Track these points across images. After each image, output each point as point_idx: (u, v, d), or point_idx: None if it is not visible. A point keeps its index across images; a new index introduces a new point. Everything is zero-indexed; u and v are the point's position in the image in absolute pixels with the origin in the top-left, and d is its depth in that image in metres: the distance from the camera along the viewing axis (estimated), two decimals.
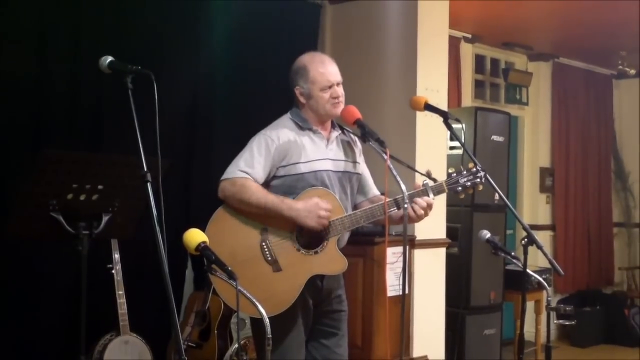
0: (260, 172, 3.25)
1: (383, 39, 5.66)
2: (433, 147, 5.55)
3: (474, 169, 3.39)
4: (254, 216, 3.25)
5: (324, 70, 3.34)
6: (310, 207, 3.19)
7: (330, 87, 3.33)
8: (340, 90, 3.36)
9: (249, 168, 3.23)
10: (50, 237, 3.15)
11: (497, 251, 3.71)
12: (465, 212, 5.90)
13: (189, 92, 5.16)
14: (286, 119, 3.41)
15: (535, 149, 8.63)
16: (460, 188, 3.38)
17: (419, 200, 3.28)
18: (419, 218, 3.32)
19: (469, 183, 3.38)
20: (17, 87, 4.36)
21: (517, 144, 8.49)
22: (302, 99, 3.37)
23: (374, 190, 3.59)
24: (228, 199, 3.25)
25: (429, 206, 3.30)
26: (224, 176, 3.27)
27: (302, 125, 3.35)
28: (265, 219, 3.26)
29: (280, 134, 3.31)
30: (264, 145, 3.28)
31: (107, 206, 3.13)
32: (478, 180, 3.39)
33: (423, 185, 3.31)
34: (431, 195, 3.31)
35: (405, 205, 3.18)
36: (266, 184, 3.30)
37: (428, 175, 3.33)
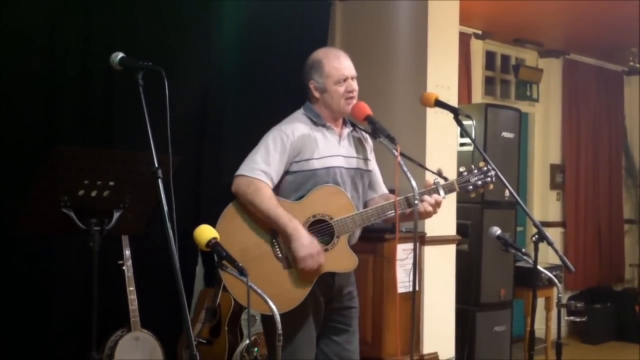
0: (276, 169, 3.25)
1: (393, 36, 5.65)
2: (443, 144, 5.55)
3: (485, 168, 3.39)
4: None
5: (338, 64, 3.34)
6: (312, 245, 3.19)
7: (345, 80, 3.33)
8: (354, 85, 3.36)
9: (266, 166, 3.23)
10: (62, 232, 3.16)
11: (507, 248, 3.71)
12: (476, 208, 5.89)
13: (200, 89, 5.17)
14: (300, 114, 3.41)
15: (545, 146, 8.61)
16: (471, 187, 3.39)
17: (427, 197, 3.28)
18: (427, 215, 3.32)
19: (480, 182, 3.39)
20: (29, 84, 4.38)
21: (528, 140, 8.48)
22: (316, 94, 3.37)
23: (383, 188, 3.59)
24: (240, 196, 3.25)
25: (438, 204, 3.30)
26: (241, 172, 3.26)
27: (316, 121, 3.35)
28: None
29: (295, 130, 3.31)
30: (280, 141, 3.28)
31: (119, 202, 3.14)
32: (489, 179, 3.39)
33: (434, 183, 3.31)
34: (442, 193, 3.32)
35: (416, 202, 3.18)
36: (277, 202, 3.29)
37: (439, 173, 3.33)
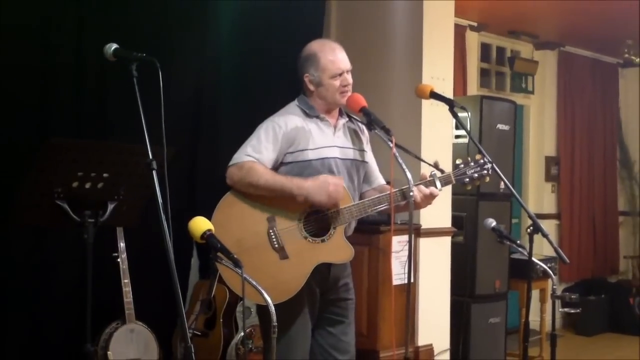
0: (267, 157, 3.25)
1: (389, 27, 5.63)
2: (439, 136, 5.54)
3: (481, 161, 3.39)
4: (262, 201, 3.25)
5: (334, 57, 3.33)
6: (319, 184, 3.18)
7: (340, 74, 3.32)
8: (349, 78, 3.36)
9: (256, 153, 3.23)
10: (56, 225, 3.16)
11: (502, 240, 3.72)
12: (471, 200, 5.89)
13: (195, 81, 5.15)
14: (293, 106, 3.41)
15: (540, 138, 8.63)
16: (467, 179, 3.38)
17: (422, 188, 3.27)
18: (423, 204, 3.32)
19: (476, 175, 3.38)
20: (22, 76, 4.35)
21: (523, 132, 8.49)
22: (311, 87, 3.36)
23: (380, 180, 3.59)
24: (236, 184, 3.24)
25: (432, 196, 3.30)
26: (232, 162, 3.27)
27: (309, 113, 3.35)
28: (273, 205, 3.25)
29: (288, 121, 3.31)
30: (272, 131, 3.28)
31: (113, 194, 3.13)
32: (485, 171, 3.39)
33: (431, 175, 3.31)
34: (439, 185, 3.31)
35: (411, 194, 3.18)
36: (273, 171, 3.29)
37: (435, 165, 3.33)
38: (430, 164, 3.35)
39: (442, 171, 3.34)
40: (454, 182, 3.39)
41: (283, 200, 3.23)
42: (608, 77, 9.34)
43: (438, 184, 3.31)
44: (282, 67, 5.31)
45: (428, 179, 3.31)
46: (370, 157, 3.56)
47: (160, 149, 2.64)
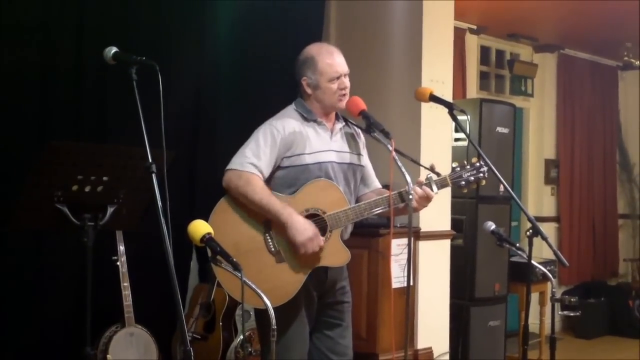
0: (266, 163, 3.25)
1: (388, 30, 5.63)
2: (438, 139, 5.54)
3: (478, 164, 3.39)
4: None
5: (331, 61, 3.34)
6: (308, 228, 3.19)
7: (338, 78, 3.33)
8: (347, 82, 3.36)
9: (255, 159, 3.23)
10: (56, 228, 3.16)
11: (501, 243, 3.71)
12: (470, 203, 5.89)
13: (194, 84, 5.15)
14: (291, 109, 3.41)
15: (540, 141, 8.62)
16: (463, 182, 3.38)
17: (418, 189, 3.27)
18: (419, 207, 3.32)
19: (472, 178, 3.38)
20: (22, 79, 4.36)
21: (522, 135, 8.49)
22: (308, 90, 3.37)
23: (376, 183, 3.59)
24: (231, 190, 3.25)
25: (428, 197, 3.30)
26: (231, 166, 3.27)
27: (307, 117, 3.35)
28: None
29: (286, 125, 3.31)
30: (270, 135, 3.28)
31: (112, 197, 3.13)
32: (481, 175, 3.39)
33: (427, 178, 3.31)
34: (435, 189, 3.31)
35: (410, 197, 3.18)
36: (270, 175, 3.30)
37: (432, 169, 3.33)
38: (426, 167, 3.35)
39: (438, 174, 3.35)
40: (450, 185, 3.39)
41: (279, 203, 3.23)
42: (607, 79, 9.35)
43: (434, 187, 3.32)
44: (282, 69, 5.30)
45: (424, 182, 3.31)
46: (366, 160, 3.56)
47: (160, 152, 2.65)
